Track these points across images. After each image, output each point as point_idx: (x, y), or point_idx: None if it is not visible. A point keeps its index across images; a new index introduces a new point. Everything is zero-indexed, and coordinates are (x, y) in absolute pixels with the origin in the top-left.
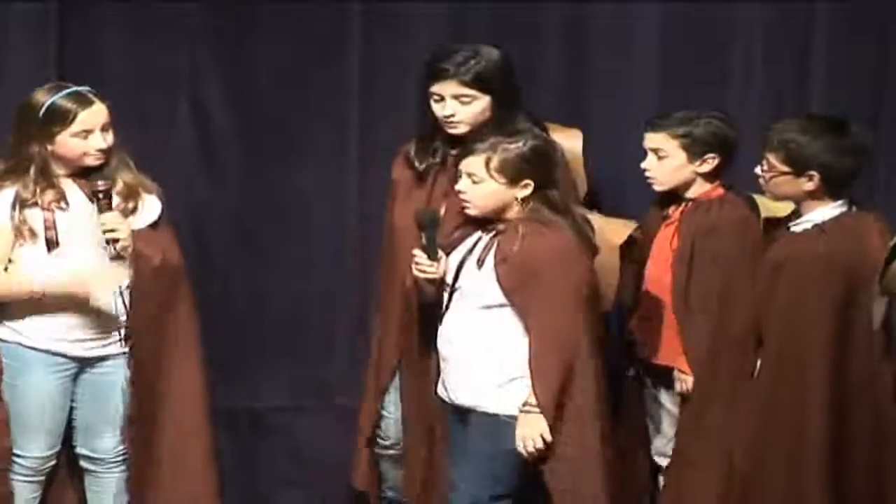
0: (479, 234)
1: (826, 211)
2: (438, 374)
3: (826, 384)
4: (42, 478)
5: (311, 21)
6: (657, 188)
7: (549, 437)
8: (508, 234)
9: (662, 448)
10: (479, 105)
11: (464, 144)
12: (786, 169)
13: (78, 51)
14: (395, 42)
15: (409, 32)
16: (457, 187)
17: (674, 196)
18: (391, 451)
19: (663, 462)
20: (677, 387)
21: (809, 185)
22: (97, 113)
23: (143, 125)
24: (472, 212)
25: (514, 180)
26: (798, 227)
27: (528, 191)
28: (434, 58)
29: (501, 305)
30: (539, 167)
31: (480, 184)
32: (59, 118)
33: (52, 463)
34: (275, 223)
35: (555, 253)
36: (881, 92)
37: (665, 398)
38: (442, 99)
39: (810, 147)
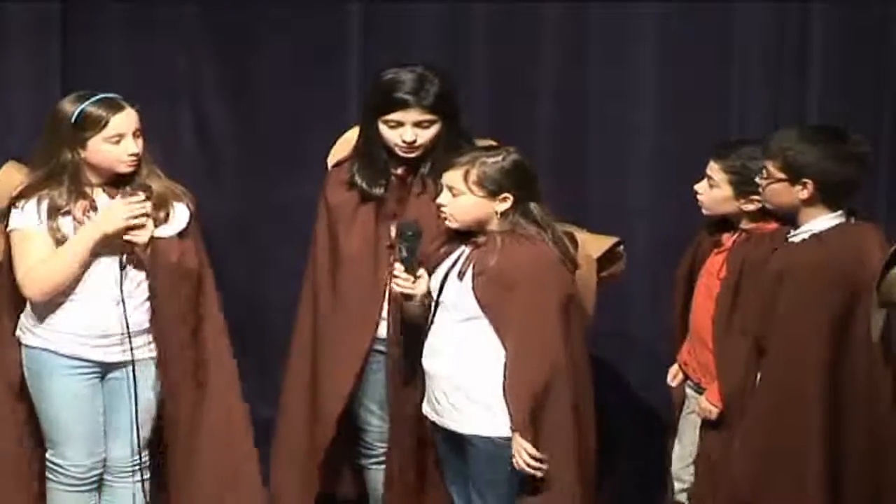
0: (462, 247)
1: (824, 221)
2: (424, 390)
3: (824, 396)
4: (89, 488)
5: (310, 23)
6: (704, 212)
7: (536, 453)
8: (487, 247)
9: (679, 471)
10: (436, 128)
11: (407, 164)
12: (781, 176)
13: (80, 55)
14: (395, 43)
15: (408, 33)
16: (437, 200)
17: (727, 222)
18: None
19: (677, 486)
20: (695, 406)
21: (804, 193)
22: (129, 117)
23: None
24: (452, 225)
25: (492, 193)
26: (796, 237)
27: (508, 204)
28: (388, 88)
29: (481, 318)
30: (519, 181)
31: (459, 197)
32: (92, 124)
33: (97, 471)
34: (275, 225)
35: (531, 266)
36: (881, 99)
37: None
38: (399, 125)
39: (806, 154)
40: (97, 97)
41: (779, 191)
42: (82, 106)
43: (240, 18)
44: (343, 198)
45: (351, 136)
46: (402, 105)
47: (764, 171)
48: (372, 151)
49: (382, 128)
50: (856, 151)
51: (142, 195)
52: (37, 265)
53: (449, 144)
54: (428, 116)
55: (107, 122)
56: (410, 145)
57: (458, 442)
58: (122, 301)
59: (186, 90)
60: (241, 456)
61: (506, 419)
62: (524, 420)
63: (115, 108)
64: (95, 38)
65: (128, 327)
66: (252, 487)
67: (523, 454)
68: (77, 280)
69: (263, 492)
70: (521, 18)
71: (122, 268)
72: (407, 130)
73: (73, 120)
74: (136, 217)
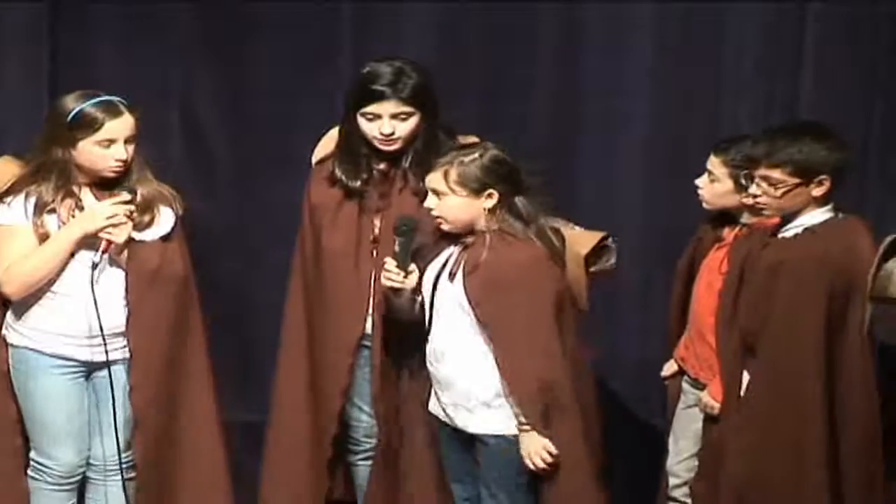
0: (452, 248)
1: (815, 215)
2: (430, 389)
3: (823, 390)
4: (72, 487)
5: (302, 24)
6: (705, 206)
7: (553, 450)
8: (477, 246)
9: (674, 467)
10: (414, 120)
11: (389, 158)
12: (796, 180)
13: (70, 59)
14: (387, 45)
15: (400, 35)
16: (425, 204)
17: (728, 217)
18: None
19: (672, 481)
20: (696, 400)
21: (820, 190)
22: (124, 123)
23: None
24: (445, 227)
25: (476, 191)
26: (788, 232)
27: (494, 200)
28: (365, 81)
29: (475, 318)
30: (501, 176)
31: (444, 198)
32: (86, 125)
33: (82, 470)
34: (267, 227)
35: (523, 265)
36: (872, 99)
37: (698, 417)
38: (376, 118)
39: (816, 153)
40: (98, 99)
41: (795, 195)
42: (81, 106)
43: (231, 18)
44: (326, 195)
45: (335, 134)
46: (379, 97)
47: (761, 182)
48: (352, 146)
49: (361, 121)
50: (842, 138)
51: (126, 196)
52: (16, 262)
53: (429, 138)
54: (405, 109)
55: (100, 126)
56: (388, 138)
57: (466, 441)
58: (94, 300)
59: (177, 90)
60: (212, 463)
61: (510, 413)
62: (540, 417)
63: (113, 112)
64: (85, 38)
65: (101, 327)
66: (221, 492)
67: (542, 451)
68: (57, 279)
69: (232, 498)
70: (515, 17)
71: (94, 267)
72: (384, 123)
73: (68, 118)
74: (116, 217)
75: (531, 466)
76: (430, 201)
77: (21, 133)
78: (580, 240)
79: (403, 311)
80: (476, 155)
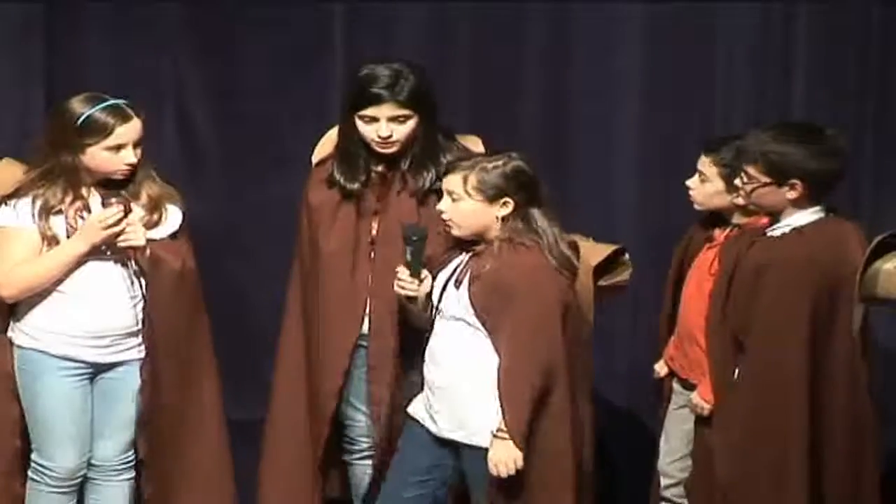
0: (462, 256)
1: (804, 215)
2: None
3: (807, 389)
4: (72, 489)
5: (293, 23)
6: (696, 207)
7: (521, 464)
8: (484, 254)
9: (666, 467)
10: (412, 123)
11: (387, 161)
12: (767, 180)
13: (63, 57)
14: (378, 44)
15: (391, 34)
16: (438, 207)
17: (720, 217)
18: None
19: (664, 481)
20: (686, 401)
21: (793, 194)
22: (133, 128)
23: None
24: (455, 232)
25: (492, 199)
26: (776, 231)
27: (508, 210)
28: (363, 83)
29: (478, 326)
30: (519, 186)
31: (459, 202)
32: (96, 130)
33: (82, 473)
34: (260, 226)
35: (527, 273)
36: (864, 100)
37: (689, 417)
38: (374, 120)
39: (791, 156)
40: (106, 103)
41: (766, 194)
42: (90, 111)
43: (224, 19)
44: (324, 196)
45: (334, 135)
46: (377, 100)
47: (743, 176)
48: (350, 148)
49: (359, 123)
50: (835, 145)
51: (117, 207)
52: (17, 267)
53: (427, 141)
54: (403, 111)
55: (111, 131)
56: (386, 140)
57: (441, 445)
58: (146, 303)
59: (170, 90)
60: (217, 462)
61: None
62: (522, 429)
63: (123, 117)
64: (79, 38)
65: (144, 325)
66: (224, 491)
67: (511, 463)
68: (66, 279)
69: (234, 494)
70: (506, 18)
71: (138, 277)
72: (382, 125)
73: (77, 123)
74: (114, 225)
75: (494, 473)
76: (443, 204)
77: (16, 132)
78: (592, 251)
79: (418, 318)
80: (499, 163)
